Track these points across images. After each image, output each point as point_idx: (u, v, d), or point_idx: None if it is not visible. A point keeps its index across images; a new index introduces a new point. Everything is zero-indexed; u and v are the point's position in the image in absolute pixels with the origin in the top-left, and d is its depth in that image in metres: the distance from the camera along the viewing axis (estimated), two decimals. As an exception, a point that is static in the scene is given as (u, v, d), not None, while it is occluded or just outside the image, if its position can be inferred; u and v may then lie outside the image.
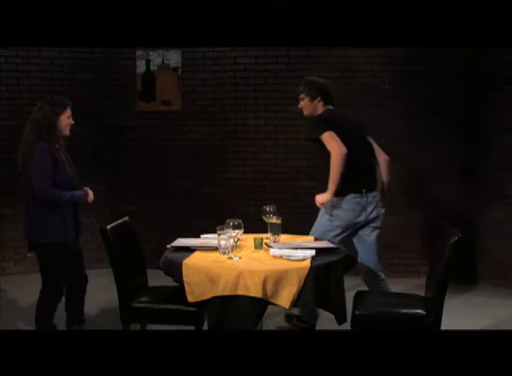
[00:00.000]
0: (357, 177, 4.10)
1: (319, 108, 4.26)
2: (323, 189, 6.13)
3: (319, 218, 4.27)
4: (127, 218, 3.99)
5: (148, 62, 6.16)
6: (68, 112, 3.96)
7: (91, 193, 4.04)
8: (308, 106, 4.27)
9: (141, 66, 6.17)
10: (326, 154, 4.09)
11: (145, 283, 3.96)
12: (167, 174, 6.21)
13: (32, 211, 3.88)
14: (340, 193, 4.08)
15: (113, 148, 6.23)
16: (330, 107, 4.29)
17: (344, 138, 4.03)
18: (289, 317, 4.32)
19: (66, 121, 3.94)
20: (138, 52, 6.15)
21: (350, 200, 4.12)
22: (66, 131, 3.97)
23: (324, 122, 4.14)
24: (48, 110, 3.87)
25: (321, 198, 4.15)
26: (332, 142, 4.02)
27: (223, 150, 6.18)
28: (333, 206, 4.15)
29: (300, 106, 4.32)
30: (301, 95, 4.26)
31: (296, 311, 4.25)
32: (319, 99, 4.24)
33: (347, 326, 3.40)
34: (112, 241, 3.60)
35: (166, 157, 6.20)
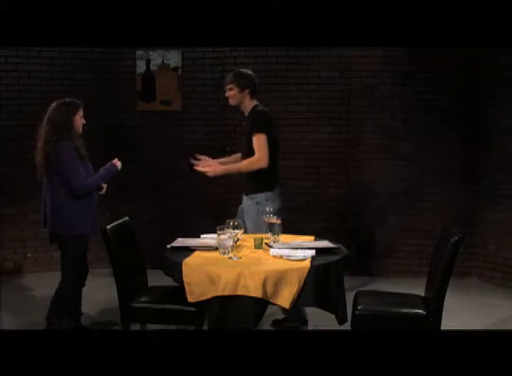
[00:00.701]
0: (278, 171, 4.37)
1: (247, 100, 4.36)
2: (323, 189, 6.16)
3: (256, 221, 4.23)
4: (127, 218, 3.99)
5: (148, 62, 6.16)
6: (81, 112, 4.16)
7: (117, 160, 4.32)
8: (237, 96, 4.36)
9: (141, 66, 6.18)
10: (248, 145, 4.21)
11: (145, 283, 3.96)
12: (167, 174, 6.21)
13: (63, 206, 4.03)
14: (270, 187, 4.27)
15: (113, 148, 6.22)
16: (256, 102, 4.38)
17: (271, 139, 4.21)
18: (278, 323, 4.34)
19: (79, 120, 4.15)
20: (138, 52, 6.15)
21: (276, 191, 4.32)
22: (80, 130, 4.18)
23: (265, 123, 4.27)
24: (65, 111, 4.07)
25: (214, 168, 4.21)
26: (261, 148, 4.17)
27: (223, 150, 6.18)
28: (267, 200, 4.24)
29: (227, 95, 4.41)
30: (230, 85, 4.36)
31: (278, 315, 4.28)
32: (247, 91, 4.34)
33: (347, 326, 3.41)
34: (112, 241, 3.61)
35: (166, 156, 6.20)
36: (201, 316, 3.48)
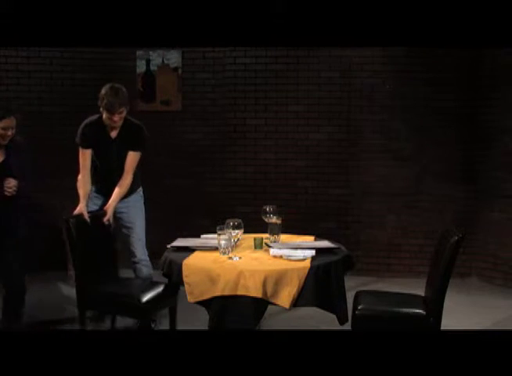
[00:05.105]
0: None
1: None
2: (323, 189, 6.15)
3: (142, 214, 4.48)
4: (100, 210, 4.11)
5: (148, 62, 6.16)
6: (1, 124, 3.83)
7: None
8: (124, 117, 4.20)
9: (141, 66, 6.18)
10: (122, 160, 4.19)
11: (112, 272, 4.02)
12: (167, 174, 6.20)
13: None
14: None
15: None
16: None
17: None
18: None
19: None
20: (138, 52, 6.16)
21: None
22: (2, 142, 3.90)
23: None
24: None
25: (108, 215, 4.12)
26: (135, 166, 4.27)
27: (223, 150, 6.19)
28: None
29: (117, 119, 4.10)
30: (122, 109, 4.08)
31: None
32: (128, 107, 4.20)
33: (347, 326, 3.40)
34: (72, 232, 3.68)
35: (166, 156, 6.20)
36: (149, 312, 3.59)
